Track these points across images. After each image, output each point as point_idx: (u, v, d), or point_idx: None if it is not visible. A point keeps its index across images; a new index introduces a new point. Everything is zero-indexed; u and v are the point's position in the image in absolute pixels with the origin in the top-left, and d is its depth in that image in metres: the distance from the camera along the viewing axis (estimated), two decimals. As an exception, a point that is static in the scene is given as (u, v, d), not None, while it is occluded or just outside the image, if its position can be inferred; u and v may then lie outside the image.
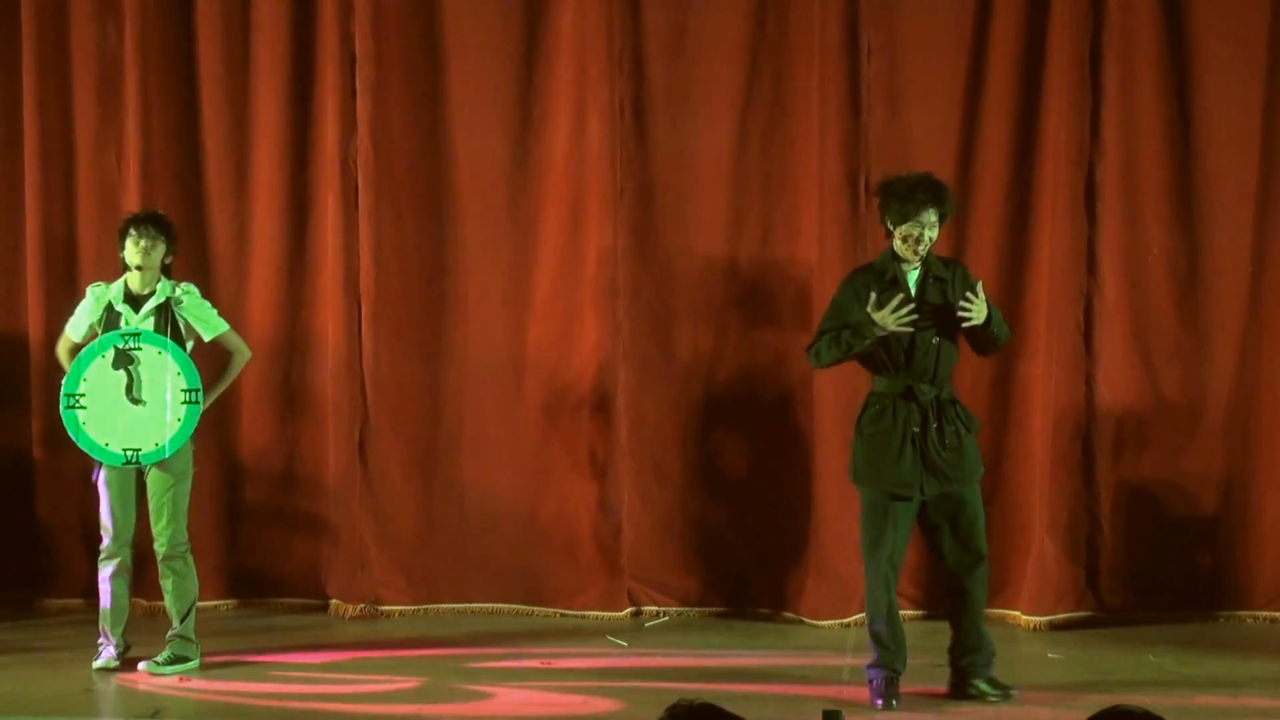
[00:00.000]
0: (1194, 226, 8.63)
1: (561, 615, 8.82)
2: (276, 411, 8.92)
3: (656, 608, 8.90)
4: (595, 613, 8.79)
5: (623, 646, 8.34)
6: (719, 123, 8.73)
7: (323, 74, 8.77)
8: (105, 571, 7.75)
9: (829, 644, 8.39)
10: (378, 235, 8.72)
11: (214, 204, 8.89)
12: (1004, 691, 7.23)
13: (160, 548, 7.73)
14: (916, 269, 7.14)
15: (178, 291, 7.74)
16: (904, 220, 7.09)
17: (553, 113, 8.75)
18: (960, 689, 7.27)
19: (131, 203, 8.77)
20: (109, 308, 7.72)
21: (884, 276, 7.14)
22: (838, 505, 8.58)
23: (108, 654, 7.76)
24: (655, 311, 8.84)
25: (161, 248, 7.69)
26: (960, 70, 8.64)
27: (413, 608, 8.78)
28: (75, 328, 7.82)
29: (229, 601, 9.01)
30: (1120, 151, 8.58)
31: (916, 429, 7.11)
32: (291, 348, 8.89)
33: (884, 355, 7.14)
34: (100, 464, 7.69)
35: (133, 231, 7.67)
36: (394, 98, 8.75)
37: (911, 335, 7.06)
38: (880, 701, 7.20)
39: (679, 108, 8.76)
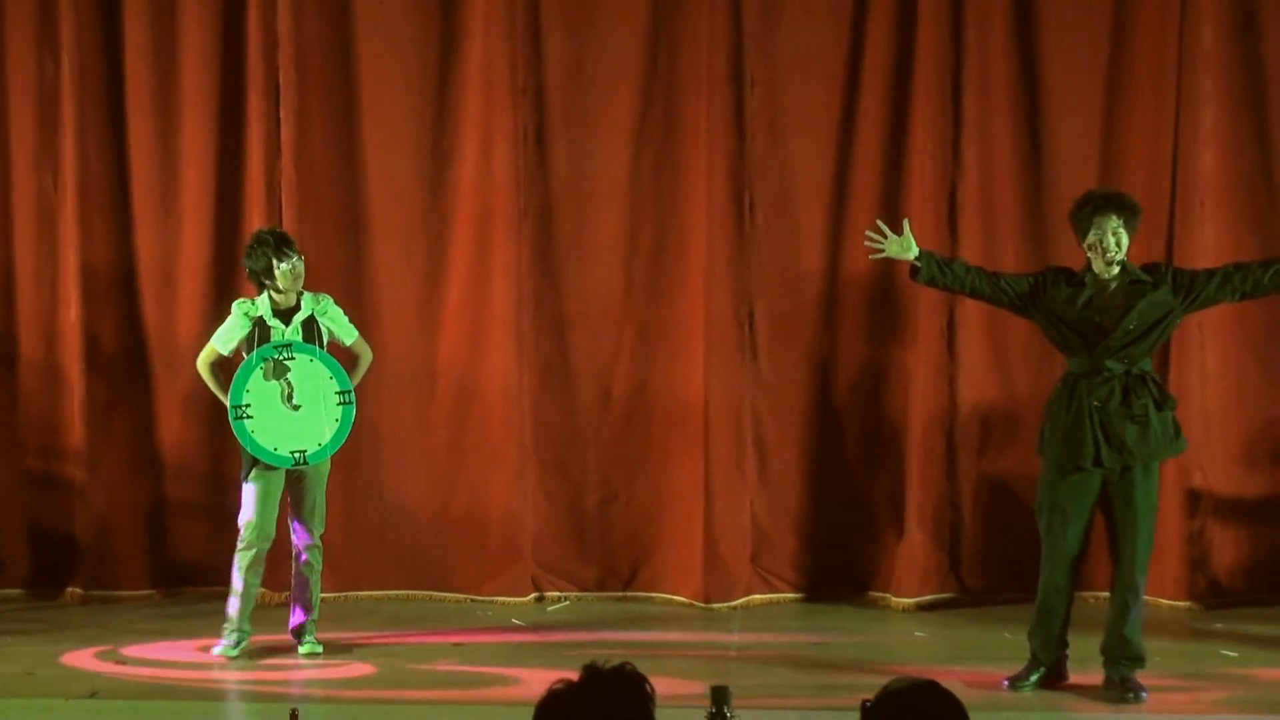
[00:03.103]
0: (1044, 239, 8.68)
1: (471, 600, 8.80)
2: (206, 414, 8.70)
3: (558, 593, 8.90)
4: (502, 598, 8.77)
5: (527, 628, 8.36)
6: (614, 147, 8.76)
7: (249, 103, 8.72)
8: (242, 562, 7.65)
9: (718, 625, 8.41)
10: (300, 252, 8.40)
11: (145, 222, 8.82)
12: (1119, 694, 6.89)
13: (305, 537, 7.70)
14: (1112, 277, 6.92)
15: (319, 303, 7.70)
16: (1086, 231, 6.91)
17: (462, 138, 8.74)
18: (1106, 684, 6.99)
19: (68, 223, 8.76)
20: (259, 322, 7.62)
21: (1073, 275, 6.98)
22: (726, 499, 8.69)
23: (228, 642, 7.67)
24: (557, 321, 8.85)
25: (302, 264, 7.62)
26: (835, 100, 8.70)
27: (334, 595, 8.63)
28: (224, 343, 7.67)
29: (154, 592, 8.92)
30: (979, 173, 8.69)
31: (1097, 402, 6.83)
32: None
33: (1067, 339, 6.97)
34: (254, 465, 7.59)
35: (278, 257, 7.52)
36: (315, 125, 8.73)
37: (1094, 320, 6.85)
38: (1006, 682, 7.04)
39: (578, 134, 8.77)
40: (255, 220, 8.68)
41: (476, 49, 8.66)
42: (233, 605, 7.68)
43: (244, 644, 7.69)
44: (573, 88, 8.74)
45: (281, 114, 8.66)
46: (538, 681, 6.77)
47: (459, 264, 8.78)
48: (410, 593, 8.79)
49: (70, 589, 8.82)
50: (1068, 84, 8.63)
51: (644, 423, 8.87)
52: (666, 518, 8.87)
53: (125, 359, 8.88)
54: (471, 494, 8.84)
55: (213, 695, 7.21)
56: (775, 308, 8.78)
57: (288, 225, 8.61)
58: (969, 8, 8.59)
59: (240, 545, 7.65)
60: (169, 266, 8.82)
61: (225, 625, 7.69)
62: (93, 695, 7.07)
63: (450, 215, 8.78)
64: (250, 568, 7.65)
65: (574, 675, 3.54)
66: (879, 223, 7.21)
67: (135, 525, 8.83)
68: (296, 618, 7.78)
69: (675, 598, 8.81)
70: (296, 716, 4.75)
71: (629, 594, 8.91)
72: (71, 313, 8.74)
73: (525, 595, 8.81)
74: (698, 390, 8.71)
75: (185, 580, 8.92)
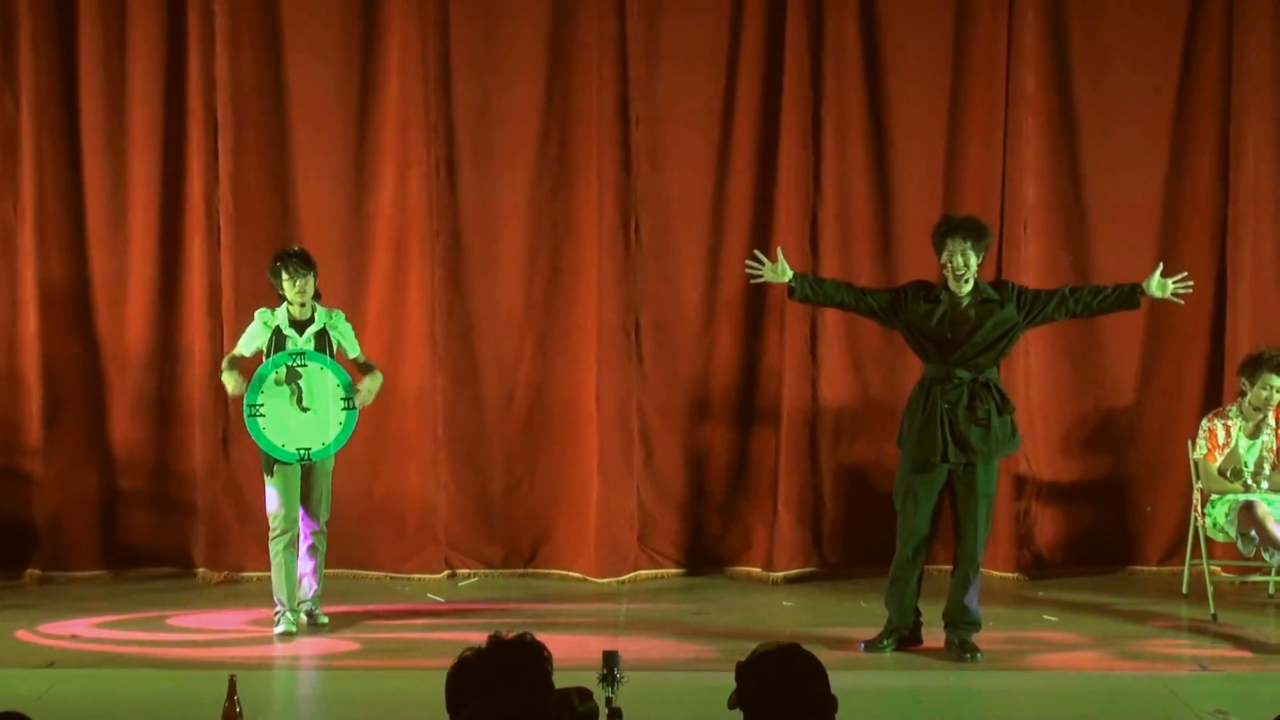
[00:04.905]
0: (892, 259, 8.83)
1: (391, 577, 8.83)
2: (153, 415, 8.84)
3: (468, 570, 8.95)
4: (418, 575, 8.81)
5: (440, 601, 8.47)
6: (516, 177, 8.80)
7: (190, 137, 8.73)
8: (276, 548, 7.68)
9: (609, 597, 8.53)
10: (237, 270, 8.68)
11: (97, 244, 8.82)
12: (959, 654, 7.13)
13: (316, 521, 7.75)
14: (964, 294, 7.05)
15: (332, 317, 7.76)
16: (940, 251, 7.07)
17: (380, 170, 8.77)
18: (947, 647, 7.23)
19: (27, 243, 8.72)
20: (277, 331, 7.66)
21: (931, 290, 7.13)
22: (614, 488, 8.81)
23: (287, 621, 7.68)
24: (465, 330, 8.89)
25: (312, 281, 7.65)
26: (712, 137, 8.82)
27: (269, 574, 8.04)
28: (245, 346, 7.73)
29: (104, 572, 8.86)
30: (836, 201, 8.84)
31: (948, 405, 6.97)
32: (164, 362, 8.83)
33: (924, 348, 7.10)
34: (273, 461, 7.64)
35: (286, 274, 7.58)
36: (250, 157, 8.73)
37: (946, 335, 7.01)
38: (863, 645, 7.25)
39: (484, 165, 8.80)
40: (196, 241, 8.73)
41: (393, 91, 8.71)
42: (278, 588, 7.68)
43: (296, 621, 7.71)
44: (479, 125, 8.79)
45: (219, 147, 8.66)
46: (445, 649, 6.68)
47: (379, 280, 8.80)
48: (337, 571, 8.59)
49: (29, 570, 8.80)
50: (912, 123, 8.83)
51: (543, 419, 8.93)
52: (563, 503, 8.93)
53: (79, 365, 8.85)
54: (391, 482, 8.85)
55: (159, 664, 7.21)
56: (658, 318, 8.90)
57: (224, 245, 8.68)
58: (827, 56, 8.75)
59: (272, 534, 7.70)
60: (119, 283, 8.82)
61: (276, 610, 7.70)
62: (50, 665, 7.10)
63: (371, 237, 8.80)
64: (285, 551, 7.66)
65: (481, 643, 3.61)
66: (757, 253, 7.38)
67: (88, 513, 8.85)
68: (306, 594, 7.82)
69: (571, 573, 8.88)
70: (234, 682, 4.98)
71: (530, 570, 8.96)
72: (30, 324, 8.74)
73: (439, 572, 8.83)
74: (590, 391, 8.80)
75: (132, 562, 8.92)
